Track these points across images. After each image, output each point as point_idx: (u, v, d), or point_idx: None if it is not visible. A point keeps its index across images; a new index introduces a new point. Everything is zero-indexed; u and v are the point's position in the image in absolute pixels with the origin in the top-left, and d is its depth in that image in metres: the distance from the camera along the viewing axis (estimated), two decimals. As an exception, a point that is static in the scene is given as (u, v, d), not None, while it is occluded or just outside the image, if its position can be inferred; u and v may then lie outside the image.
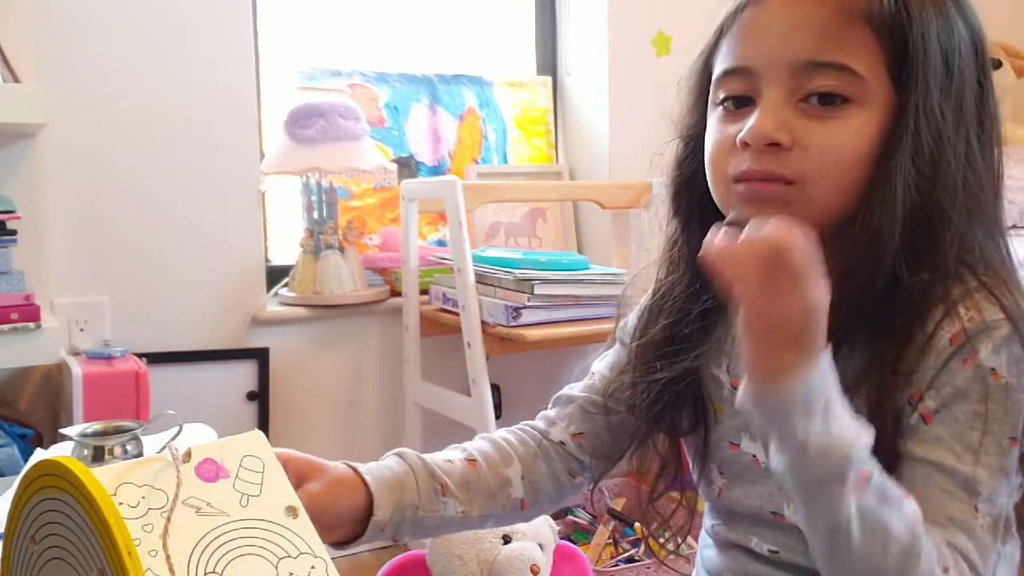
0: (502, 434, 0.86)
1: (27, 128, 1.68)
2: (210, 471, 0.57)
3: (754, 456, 0.77)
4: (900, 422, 0.67)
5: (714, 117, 0.73)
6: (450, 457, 0.81)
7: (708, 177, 0.73)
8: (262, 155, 2.09)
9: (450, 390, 1.98)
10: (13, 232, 1.61)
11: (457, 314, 1.87)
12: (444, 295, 2.00)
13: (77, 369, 1.60)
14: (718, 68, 0.72)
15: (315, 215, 2.08)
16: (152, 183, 1.94)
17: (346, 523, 0.73)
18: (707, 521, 0.87)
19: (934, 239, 0.67)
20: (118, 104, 1.89)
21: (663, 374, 0.79)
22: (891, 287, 0.67)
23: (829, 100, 0.65)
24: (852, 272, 0.67)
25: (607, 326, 1.93)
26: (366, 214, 2.31)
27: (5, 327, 1.53)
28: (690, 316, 0.78)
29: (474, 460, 0.81)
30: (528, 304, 1.79)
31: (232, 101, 2.00)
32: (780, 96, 0.67)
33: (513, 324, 1.78)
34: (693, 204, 0.77)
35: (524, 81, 2.52)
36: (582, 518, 2.12)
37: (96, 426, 0.96)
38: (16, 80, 1.63)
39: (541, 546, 1.19)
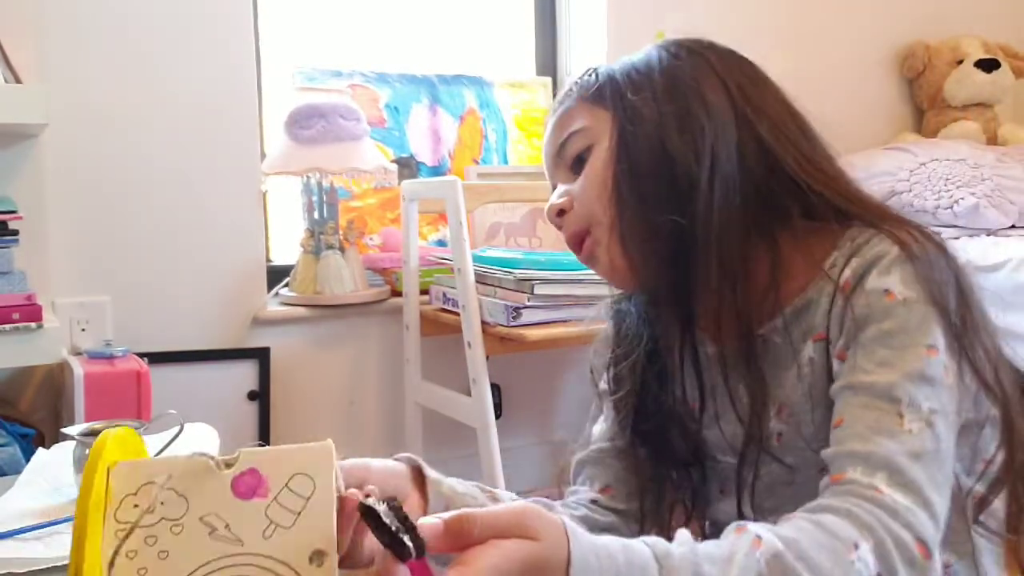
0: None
1: (29, 129, 1.69)
2: (248, 485, 0.50)
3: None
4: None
5: None
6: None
7: None
8: (263, 155, 2.09)
9: (450, 390, 1.98)
10: (15, 232, 1.62)
11: (457, 314, 1.87)
12: (444, 295, 2.01)
13: (79, 369, 1.61)
14: None
15: (316, 215, 2.09)
16: (153, 183, 1.94)
17: None
18: None
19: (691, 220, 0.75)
20: (120, 105, 1.90)
21: (646, 424, 0.85)
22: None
23: (578, 162, 0.83)
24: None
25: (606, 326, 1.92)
26: (366, 214, 2.31)
27: (7, 327, 1.53)
28: (649, 372, 0.86)
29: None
30: (528, 304, 1.79)
31: (233, 101, 2.00)
32: (562, 177, 0.85)
33: (513, 324, 1.79)
34: None
35: (524, 81, 2.52)
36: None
37: (97, 425, 0.97)
38: (18, 81, 1.64)
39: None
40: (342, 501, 0.53)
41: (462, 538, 0.51)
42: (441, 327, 2.01)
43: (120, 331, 1.88)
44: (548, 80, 2.54)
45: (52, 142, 1.81)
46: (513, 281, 1.82)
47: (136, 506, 0.49)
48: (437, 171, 2.37)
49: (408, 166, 2.32)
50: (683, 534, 0.59)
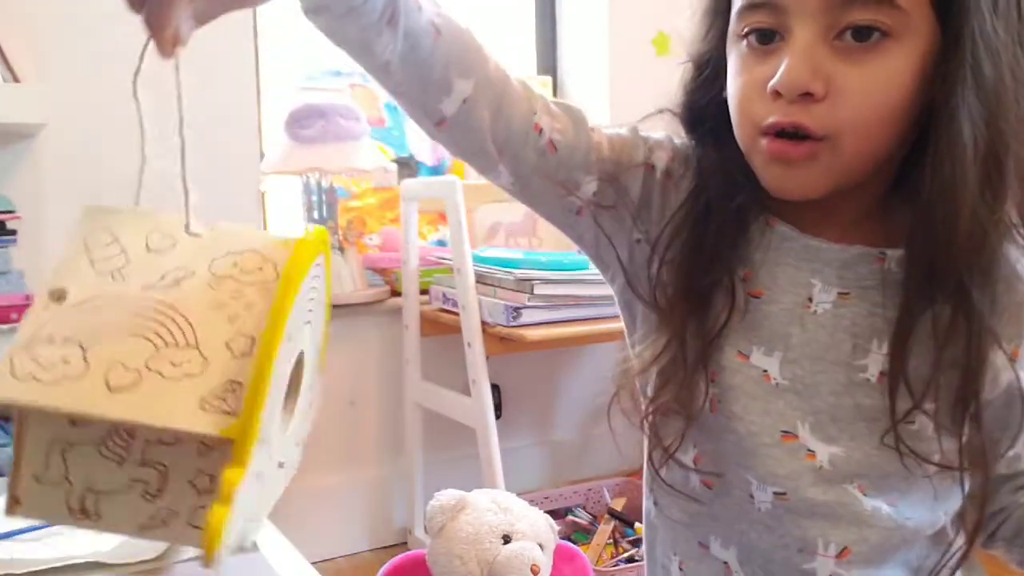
0: (494, 59, 0.70)
1: (27, 128, 1.69)
2: None
3: (765, 371, 0.70)
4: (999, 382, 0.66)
5: (737, 52, 0.66)
6: (421, 3, 0.64)
7: (734, 121, 0.67)
8: (262, 155, 2.09)
9: (450, 390, 1.98)
10: (13, 232, 1.62)
11: (457, 314, 1.87)
12: (444, 295, 2.00)
13: (77, 369, 1.60)
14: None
15: (315, 215, 2.09)
16: (152, 183, 1.93)
17: None
18: (675, 468, 0.74)
19: (1001, 173, 0.60)
20: (118, 104, 1.89)
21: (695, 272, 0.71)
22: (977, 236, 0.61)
23: (865, 35, 0.59)
24: (929, 230, 0.62)
25: (607, 326, 1.92)
26: (366, 214, 2.31)
27: (5, 327, 1.53)
28: (716, 223, 0.70)
29: (440, 33, 0.65)
30: (528, 304, 1.79)
31: (232, 101, 2.00)
32: (812, 35, 0.60)
33: (513, 324, 1.78)
34: (707, 132, 0.71)
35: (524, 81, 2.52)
36: (582, 518, 2.12)
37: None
38: (16, 80, 1.63)
39: (541, 546, 1.18)
40: None
41: None
42: (441, 327, 2.01)
43: (119, 331, 1.87)
44: (548, 80, 2.54)
45: (50, 142, 1.80)
46: (513, 281, 1.82)
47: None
48: (437, 171, 2.37)
49: (408, 166, 2.32)
50: None
